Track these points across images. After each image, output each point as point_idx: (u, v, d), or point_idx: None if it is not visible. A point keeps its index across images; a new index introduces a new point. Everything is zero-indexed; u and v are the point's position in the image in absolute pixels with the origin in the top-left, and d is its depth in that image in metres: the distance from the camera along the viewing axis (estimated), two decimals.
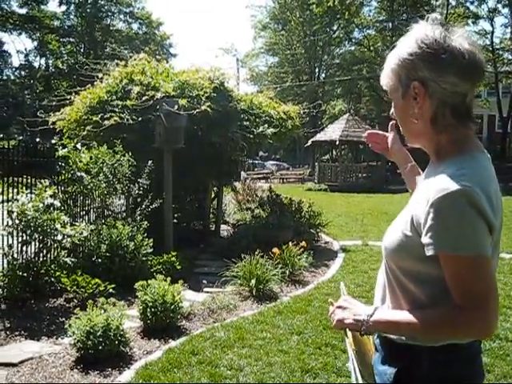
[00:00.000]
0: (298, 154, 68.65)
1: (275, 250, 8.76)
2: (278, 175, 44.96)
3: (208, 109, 9.63)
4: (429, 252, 1.74)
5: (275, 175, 44.67)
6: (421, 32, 1.91)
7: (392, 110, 2.14)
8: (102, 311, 5.48)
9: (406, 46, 1.93)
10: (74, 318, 5.46)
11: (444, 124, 1.88)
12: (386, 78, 2.10)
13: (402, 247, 1.89)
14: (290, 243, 9.09)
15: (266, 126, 10.95)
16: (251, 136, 10.73)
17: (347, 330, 2.03)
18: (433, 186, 1.75)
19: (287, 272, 8.53)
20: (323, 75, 57.56)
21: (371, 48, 46.76)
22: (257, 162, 59.16)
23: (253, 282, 7.61)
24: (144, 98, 9.68)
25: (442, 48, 1.83)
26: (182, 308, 6.37)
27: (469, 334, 1.79)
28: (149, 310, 6.08)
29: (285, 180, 42.90)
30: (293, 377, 4.76)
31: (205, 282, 8.58)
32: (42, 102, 40.44)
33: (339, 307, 2.08)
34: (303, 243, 9.17)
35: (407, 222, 1.86)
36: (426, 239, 1.75)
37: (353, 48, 53.40)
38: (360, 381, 1.94)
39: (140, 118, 9.59)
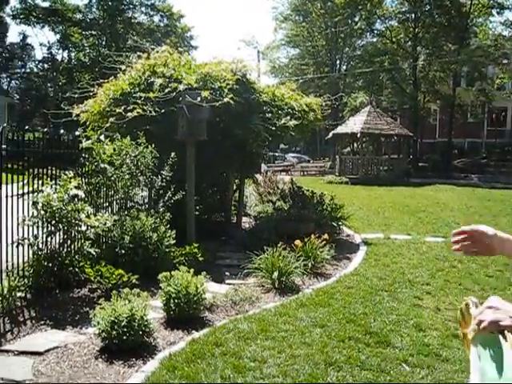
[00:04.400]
0: (319, 147, 68.37)
1: (297, 242, 8.75)
2: (298, 168, 44.84)
3: (230, 101, 9.63)
4: None
5: (296, 168, 44.55)
6: None
7: None
8: (126, 302, 5.52)
9: None
10: (99, 308, 5.51)
11: None
12: None
13: None
14: (312, 236, 9.07)
15: (288, 118, 10.91)
16: (273, 128, 10.71)
17: (506, 332, 1.84)
18: None
19: (309, 264, 8.52)
20: (344, 67, 57.19)
21: (393, 39, 46.28)
22: (277, 154, 59.10)
23: (275, 274, 7.61)
24: (166, 90, 9.70)
25: None
26: (204, 299, 6.40)
27: None
28: (172, 301, 6.12)
29: (305, 172, 42.77)
30: (316, 369, 4.76)
31: (227, 273, 8.61)
32: (65, 95, 40.71)
33: (490, 307, 1.83)
34: (325, 236, 9.14)
35: None
36: None
37: (375, 39, 52.87)
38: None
39: (163, 110, 9.60)
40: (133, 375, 4.71)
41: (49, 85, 58.11)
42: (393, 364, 4.99)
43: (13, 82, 58.85)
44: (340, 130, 34.43)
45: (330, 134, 35.70)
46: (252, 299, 7.08)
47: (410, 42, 45.64)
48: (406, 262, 9.49)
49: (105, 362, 5.05)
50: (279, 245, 8.19)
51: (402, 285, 7.90)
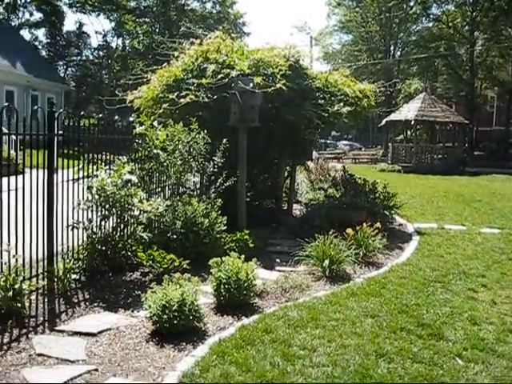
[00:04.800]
0: (371, 134, 67.55)
1: (349, 230, 8.65)
2: (350, 155, 44.45)
3: (283, 87, 9.56)
4: None
5: (347, 155, 44.17)
6: None
7: None
8: (178, 286, 5.56)
9: None
10: (150, 292, 5.57)
11: None
12: None
13: None
14: (364, 224, 8.94)
15: (341, 104, 10.77)
16: (326, 115, 10.59)
17: None
18: None
19: (360, 253, 8.40)
20: (399, 53, 56.20)
21: (450, 24, 45.15)
22: (329, 141, 58.75)
23: (326, 262, 7.54)
24: (219, 76, 9.70)
25: None
26: (255, 286, 6.39)
27: None
28: (222, 286, 6.14)
29: (357, 160, 42.37)
30: (367, 360, 4.68)
31: (277, 260, 8.59)
32: (120, 81, 41.40)
33: None
34: (377, 224, 9.00)
35: None
36: None
37: (430, 24, 51.70)
38: None
39: (215, 96, 9.61)
40: (182, 359, 4.74)
41: (104, 72, 59.14)
42: (446, 358, 4.87)
43: (69, 69, 60.13)
44: (393, 117, 33.83)
45: (383, 121, 35.16)
46: (302, 287, 7.03)
47: (467, 27, 44.49)
48: (460, 253, 9.26)
49: (155, 345, 5.11)
50: (330, 233, 8.10)
51: (456, 276, 7.71)
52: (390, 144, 36.29)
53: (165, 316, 5.21)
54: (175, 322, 5.21)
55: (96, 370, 4.50)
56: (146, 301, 5.47)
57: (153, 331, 5.38)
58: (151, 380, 4.36)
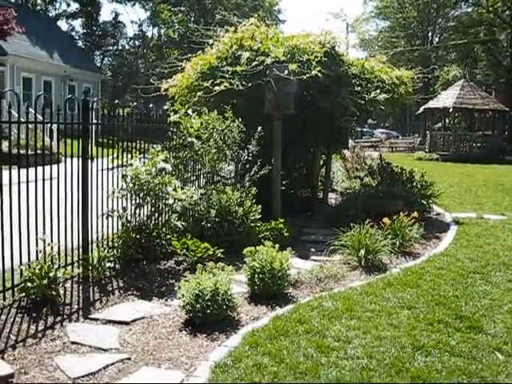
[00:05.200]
0: (408, 122, 66.68)
1: (385, 220, 8.49)
2: (386, 144, 43.95)
3: (318, 74, 9.42)
4: None
5: (384, 144, 43.68)
6: None
7: None
8: (211, 275, 5.51)
9: None
10: (184, 280, 5.54)
11: None
12: None
13: None
14: (402, 213, 8.77)
15: (378, 91, 10.56)
16: (362, 102, 10.41)
17: None
18: None
19: (397, 243, 8.25)
20: (437, 39, 55.24)
21: (490, 9, 44.03)
22: (365, 129, 58.16)
23: (362, 252, 7.41)
24: (254, 64, 9.61)
25: None
26: (289, 275, 6.31)
27: None
28: (256, 276, 6.08)
29: (394, 149, 41.87)
30: (403, 353, 4.56)
31: (312, 250, 8.50)
32: (155, 70, 41.63)
33: None
34: (415, 214, 8.81)
35: None
36: None
37: (469, 9, 50.60)
38: None
39: (250, 84, 9.52)
40: (215, 349, 4.69)
41: (139, 61, 59.59)
42: (485, 352, 4.70)
43: (105, 59, 60.74)
44: (431, 104, 33.23)
45: (421, 109, 34.64)
46: (337, 277, 6.93)
47: (508, 11, 43.32)
48: (500, 244, 9.01)
49: (188, 334, 5.08)
50: (366, 222, 7.96)
51: (495, 268, 7.49)
52: (427, 132, 35.69)
53: (198, 305, 5.17)
54: (208, 311, 5.17)
55: (129, 358, 4.49)
56: (180, 290, 5.44)
57: (186, 320, 5.36)
58: (183, 370, 4.33)
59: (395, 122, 76.08)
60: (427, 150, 33.24)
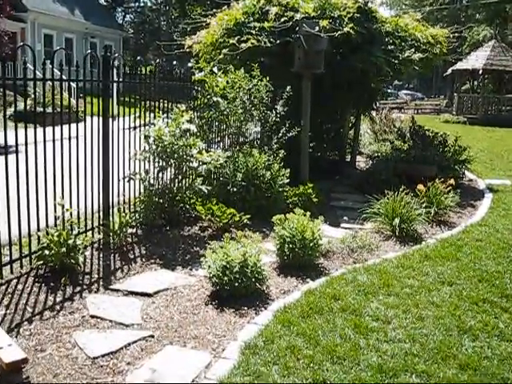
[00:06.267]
0: (434, 84, 65.26)
1: (420, 186, 8.05)
2: (412, 105, 42.93)
3: (351, 31, 8.92)
4: None
5: (409, 105, 42.70)
6: None
7: None
8: (239, 246, 5.16)
9: None
10: (210, 250, 5.19)
11: None
12: None
13: None
14: (437, 180, 8.31)
15: (413, 50, 10.01)
16: (396, 61, 9.87)
17: None
18: None
19: (432, 211, 7.82)
20: None
21: None
22: (389, 91, 56.93)
23: (396, 221, 7.00)
24: (282, 20, 9.10)
25: None
26: (321, 246, 5.94)
27: None
28: (286, 245, 5.72)
29: (419, 111, 40.91)
30: (448, 336, 4.19)
31: (343, 217, 8.13)
32: (178, 28, 40.85)
33: None
34: (451, 181, 8.36)
35: None
36: None
37: None
38: None
39: (278, 41, 9.07)
40: (244, 327, 4.35)
41: (162, 18, 58.54)
42: None
43: (127, 16, 59.78)
44: (460, 65, 32.22)
45: (449, 71, 33.62)
46: (371, 247, 6.55)
47: None
48: None
49: (215, 308, 4.75)
50: (400, 189, 7.50)
51: None
52: (455, 94, 34.72)
53: (225, 278, 4.83)
54: (236, 284, 4.83)
55: (152, 336, 4.17)
56: (206, 261, 5.09)
57: (212, 292, 5.03)
58: (210, 350, 4.00)
59: (420, 84, 74.52)
60: (454, 113, 32.38)
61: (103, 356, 3.85)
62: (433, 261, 6.02)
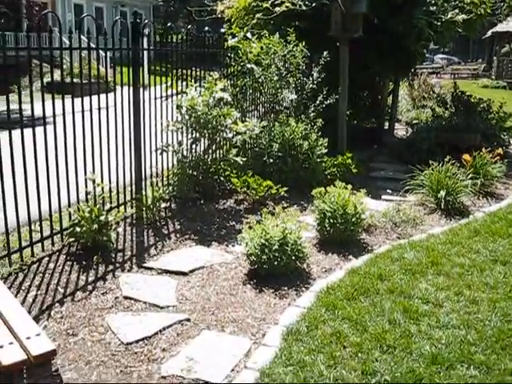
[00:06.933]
0: (471, 48, 63.42)
1: (466, 156, 7.63)
2: (448, 70, 41.77)
3: None
4: None
5: (445, 70, 41.56)
6: None
7: None
8: (278, 221, 4.87)
9: None
10: (247, 227, 4.93)
11: None
12: None
13: None
14: (484, 149, 7.88)
15: (456, 11, 9.47)
16: (438, 24, 9.36)
17: None
18: None
19: (478, 183, 7.41)
20: None
21: None
22: (425, 55, 55.54)
23: (442, 193, 6.62)
24: None
25: None
26: (363, 220, 5.63)
27: None
28: (327, 220, 5.42)
29: (456, 75, 39.68)
30: (507, 322, 3.86)
31: (383, 188, 7.78)
32: None
33: None
34: (499, 150, 7.91)
35: None
36: None
37: None
38: None
39: (314, 4, 8.68)
40: (285, 310, 4.09)
41: None
42: None
43: None
44: (500, 28, 31.17)
45: (489, 33, 32.54)
46: (415, 221, 6.22)
47: None
48: None
49: (253, 289, 4.50)
50: (446, 159, 7.09)
51: None
52: (494, 58, 33.58)
53: (264, 256, 4.57)
54: (276, 262, 4.57)
55: (188, 320, 3.93)
56: (243, 237, 4.83)
57: (250, 271, 4.79)
58: (250, 335, 3.75)
59: (456, 47, 72.48)
60: (493, 77, 31.36)
61: (137, 342, 3.64)
62: (483, 237, 5.66)
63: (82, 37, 5.09)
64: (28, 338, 2.84)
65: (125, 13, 35.93)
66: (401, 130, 12.59)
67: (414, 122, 12.79)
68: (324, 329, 3.71)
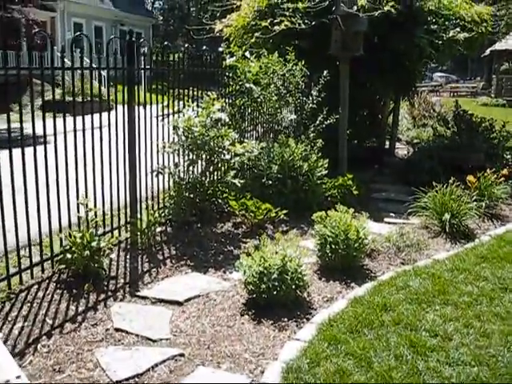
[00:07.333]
0: (470, 65, 63.61)
1: (471, 177, 7.44)
2: (447, 88, 41.77)
3: (391, 9, 8.27)
4: None
5: (444, 88, 41.57)
6: None
7: None
8: (278, 247, 4.66)
9: None
10: (245, 255, 4.71)
11: None
12: None
13: None
14: (488, 170, 7.69)
15: (458, 29, 9.34)
16: (439, 42, 9.22)
17: None
18: None
19: (483, 204, 7.21)
20: None
21: None
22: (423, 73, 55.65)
23: (446, 216, 6.41)
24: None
25: None
26: (366, 245, 5.42)
27: None
28: (328, 246, 5.21)
29: (455, 93, 39.68)
30: None
31: (385, 209, 7.60)
32: (207, 13, 40.27)
33: None
34: (504, 171, 7.72)
35: None
36: None
37: None
38: None
39: (313, 23, 8.53)
40: (285, 344, 3.86)
41: (191, 3, 57.93)
42: None
43: (156, 3, 59.34)
44: (499, 46, 31.12)
45: (487, 51, 32.52)
46: (419, 245, 6.00)
47: None
48: None
49: (251, 320, 4.27)
50: (450, 181, 6.89)
51: None
52: (493, 76, 33.57)
53: (263, 285, 4.35)
54: (275, 292, 4.35)
55: (182, 355, 3.70)
56: (241, 264, 4.62)
57: (248, 300, 4.57)
58: (248, 372, 3.53)
59: (454, 66, 72.69)
60: (493, 95, 31.30)
61: (127, 379, 3.41)
62: (490, 262, 5.44)
63: (76, 56, 4.95)
64: (7, 381, 2.62)
65: (124, 32, 35.95)
66: (401, 150, 12.45)
67: (415, 141, 12.64)
68: (327, 366, 3.47)
